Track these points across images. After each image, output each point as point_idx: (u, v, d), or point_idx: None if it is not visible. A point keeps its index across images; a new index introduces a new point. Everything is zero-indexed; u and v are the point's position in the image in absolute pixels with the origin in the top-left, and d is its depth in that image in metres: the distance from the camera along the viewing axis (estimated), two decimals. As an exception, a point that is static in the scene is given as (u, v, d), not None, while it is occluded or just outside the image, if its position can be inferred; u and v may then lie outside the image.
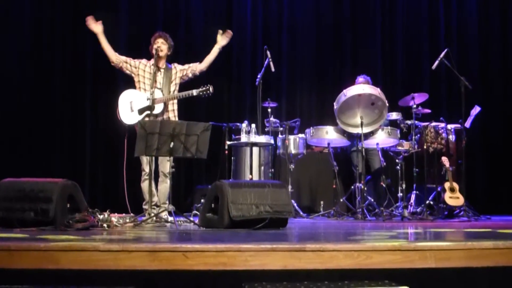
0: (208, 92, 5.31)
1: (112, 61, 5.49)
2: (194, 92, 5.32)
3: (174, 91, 5.43)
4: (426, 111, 6.69)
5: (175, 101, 5.46)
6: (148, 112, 5.22)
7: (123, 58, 5.50)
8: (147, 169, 5.21)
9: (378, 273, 2.59)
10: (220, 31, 5.64)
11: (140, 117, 5.22)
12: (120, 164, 7.20)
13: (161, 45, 5.37)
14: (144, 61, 5.50)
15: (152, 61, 5.39)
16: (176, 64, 5.56)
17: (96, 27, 5.49)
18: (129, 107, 5.33)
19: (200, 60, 5.72)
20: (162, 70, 5.44)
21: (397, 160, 6.56)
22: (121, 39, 8.11)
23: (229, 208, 4.09)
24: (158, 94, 5.25)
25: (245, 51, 8.49)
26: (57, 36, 7.98)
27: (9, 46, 7.83)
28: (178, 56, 7.66)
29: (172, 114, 5.43)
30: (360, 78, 6.88)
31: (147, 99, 5.21)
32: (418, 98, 6.52)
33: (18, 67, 7.83)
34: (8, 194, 4.01)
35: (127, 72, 5.50)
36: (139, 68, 5.44)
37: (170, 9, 8.36)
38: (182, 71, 5.51)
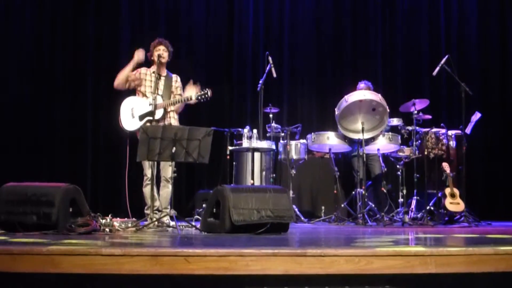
0: (207, 96, 5.31)
1: (116, 86, 5.47)
2: (193, 96, 5.33)
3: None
4: (427, 117, 6.71)
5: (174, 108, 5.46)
6: (150, 118, 5.22)
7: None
8: (149, 174, 5.22)
9: (379, 278, 2.60)
10: (191, 81, 5.44)
11: (141, 123, 5.23)
12: (122, 168, 7.24)
13: (163, 53, 5.39)
14: (143, 69, 5.50)
15: (153, 68, 5.42)
16: (178, 78, 5.56)
17: (139, 54, 5.40)
18: (130, 114, 5.35)
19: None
20: (163, 78, 5.46)
21: (398, 166, 6.57)
22: (121, 40, 8.16)
23: (231, 213, 4.10)
24: (159, 100, 5.27)
25: (246, 57, 8.53)
26: (58, 38, 8.02)
27: (9, 48, 7.87)
28: (179, 60, 7.72)
29: (174, 121, 5.44)
30: (362, 84, 6.90)
31: (149, 105, 5.23)
32: (419, 104, 6.54)
33: (18, 70, 7.87)
34: (10, 198, 4.03)
35: (132, 88, 5.50)
36: (144, 78, 5.46)
37: (171, 13, 8.40)
38: (177, 88, 5.48)
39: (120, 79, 5.39)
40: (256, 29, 8.61)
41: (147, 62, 5.54)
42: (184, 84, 5.47)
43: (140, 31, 8.21)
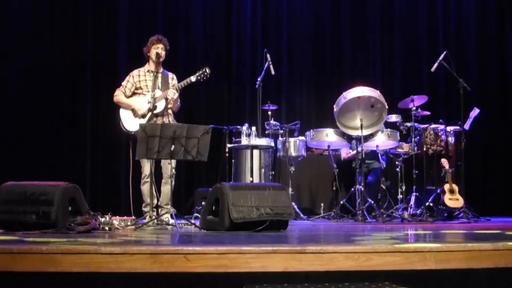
0: (206, 73, 5.32)
1: (115, 102, 5.52)
2: (193, 78, 5.33)
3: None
4: (426, 113, 6.71)
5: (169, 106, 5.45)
6: (151, 113, 5.21)
7: (123, 90, 5.47)
8: (147, 171, 5.22)
9: (378, 275, 2.60)
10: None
11: (144, 121, 5.22)
12: (121, 167, 7.24)
13: (162, 52, 5.38)
14: (136, 71, 5.51)
15: (147, 66, 5.43)
16: (175, 76, 5.55)
17: None
18: (132, 115, 5.36)
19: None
20: (159, 74, 5.45)
21: (397, 162, 6.57)
22: (120, 39, 8.15)
23: (230, 210, 4.10)
24: (157, 93, 5.26)
25: (245, 54, 8.52)
26: (57, 37, 8.02)
27: (9, 48, 7.85)
28: (178, 55, 7.73)
29: (171, 118, 5.44)
30: None
31: (148, 102, 5.22)
32: (418, 100, 6.54)
33: (18, 69, 7.85)
34: (9, 197, 4.02)
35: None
36: (137, 80, 5.46)
37: (169, 11, 8.39)
38: (173, 86, 5.44)
39: (119, 102, 5.45)
40: (254, 26, 8.61)
41: (143, 60, 5.53)
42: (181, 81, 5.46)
43: (138, 29, 8.20)
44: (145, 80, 5.42)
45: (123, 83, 5.50)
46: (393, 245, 2.72)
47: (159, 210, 5.26)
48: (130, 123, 5.34)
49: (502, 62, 8.81)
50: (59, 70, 7.98)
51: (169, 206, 5.15)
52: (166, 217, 4.99)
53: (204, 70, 5.33)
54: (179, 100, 5.47)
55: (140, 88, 5.42)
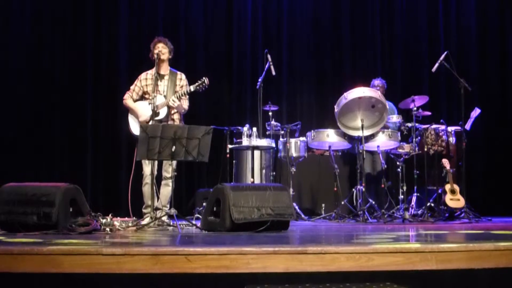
0: (204, 84, 5.31)
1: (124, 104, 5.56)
2: (192, 87, 5.33)
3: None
4: (427, 113, 6.71)
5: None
6: (156, 118, 5.21)
7: (130, 94, 5.49)
8: (148, 172, 5.22)
9: (379, 275, 2.60)
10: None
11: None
12: (122, 168, 7.24)
13: (162, 49, 5.38)
14: (143, 74, 5.51)
15: (154, 69, 5.42)
16: (183, 75, 5.55)
17: None
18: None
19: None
20: (166, 76, 5.44)
21: (398, 163, 6.57)
22: (120, 39, 8.15)
23: (231, 211, 4.10)
24: (160, 99, 5.26)
25: (245, 55, 8.52)
26: (57, 37, 8.01)
27: (9, 48, 7.86)
28: (178, 58, 7.72)
29: (177, 122, 5.44)
30: (377, 81, 6.95)
31: (149, 104, 5.22)
32: (418, 100, 6.54)
33: (18, 70, 7.86)
34: (11, 198, 4.03)
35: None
36: (144, 84, 5.46)
37: (170, 12, 8.39)
38: (182, 87, 5.45)
39: (126, 106, 5.48)
40: (255, 27, 8.60)
41: (150, 64, 5.53)
42: (190, 81, 5.46)
43: (138, 29, 8.20)
44: (152, 84, 5.38)
45: (131, 87, 5.51)
46: (394, 246, 2.72)
47: (157, 211, 5.24)
48: (136, 128, 5.34)
49: (502, 62, 8.79)
50: (59, 70, 7.97)
51: (167, 208, 5.14)
52: (166, 218, 4.98)
53: (203, 80, 5.31)
54: (186, 104, 5.45)
55: (147, 93, 5.42)
